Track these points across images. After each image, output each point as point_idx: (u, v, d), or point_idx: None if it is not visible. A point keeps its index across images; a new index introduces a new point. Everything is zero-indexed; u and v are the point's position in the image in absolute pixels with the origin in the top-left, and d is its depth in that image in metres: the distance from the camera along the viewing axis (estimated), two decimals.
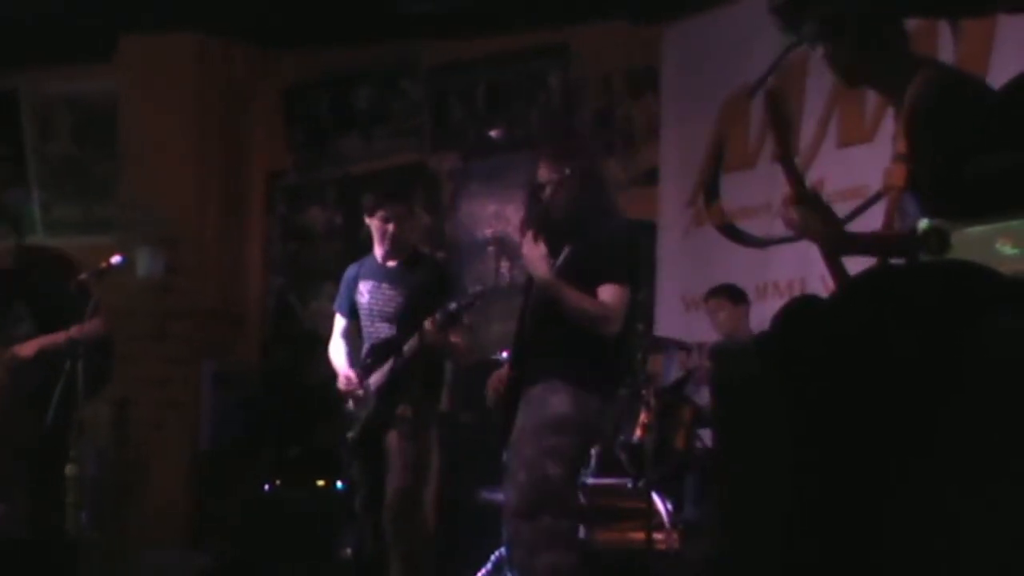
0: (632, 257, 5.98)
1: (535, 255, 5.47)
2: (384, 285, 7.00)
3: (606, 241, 5.68)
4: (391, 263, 7.04)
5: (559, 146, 6.36)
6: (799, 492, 2.57)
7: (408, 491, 6.80)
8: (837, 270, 3.89)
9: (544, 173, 5.76)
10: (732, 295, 8.15)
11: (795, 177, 3.97)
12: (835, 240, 3.91)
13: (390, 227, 6.97)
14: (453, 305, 6.55)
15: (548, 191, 5.69)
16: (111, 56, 10.54)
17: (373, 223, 7.04)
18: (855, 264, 3.90)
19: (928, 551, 2.43)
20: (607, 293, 5.55)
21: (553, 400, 5.50)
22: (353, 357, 7.12)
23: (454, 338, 6.87)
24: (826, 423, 2.54)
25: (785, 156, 4.02)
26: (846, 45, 4.04)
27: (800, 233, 3.91)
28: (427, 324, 6.59)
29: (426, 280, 6.94)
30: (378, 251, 7.07)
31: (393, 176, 10.56)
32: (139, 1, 9.77)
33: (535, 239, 5.48)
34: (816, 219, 3.87)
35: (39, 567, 7.71)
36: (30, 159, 11.43)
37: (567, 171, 5.66)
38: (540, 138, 9.77)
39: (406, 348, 6.73)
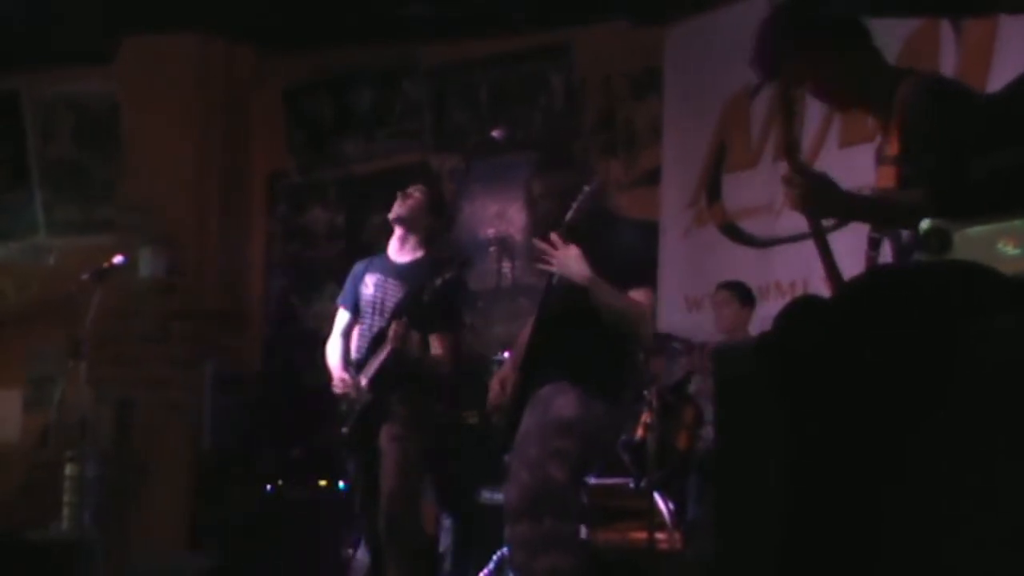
0: (649, 260, 6.02)
1: (569, 256, 5.46)
2: (391, 280, 6.99)
3: (625, 245, 5.72)
4: (402, 260, 7.04)
5: (547, 156, 6.39)
6: (797, 491, 2.56)
7: (400, 494, 6.77)
8: (830, 265, 3.89)
9: (536, 186, 5.79)
10: (742, 295, 8.13)
11: (792, 146, 3.97)
12: (837, 205, 3.91)
13: (407, 206, 6.99)
14: (424, 298, 6.58)
15: (541, 204, 5.73)
16: (112, 58, 10.54)
17: (399, 197, 7.06)
18: (852, 262, 3.91)
19: (924, 550, 2.43)
20: (639, 296, 5.58)
21: (560, 401, 5.49)
22: (348, 357, 7.11)
23: (433, 347, 6.90)
24: (824, 423, 2.54)
25: (787, 136, 4.03)
26: (825, 78, 4.06)
27: (799, 205, 3.88)
28: (393, 327, 6.64)
29: (429, 279, 6.92)
30: (392, 246, 7.09)
31: (394, 182, 10.55)
32: (140, 3, 9.76)
33: (564, 242, 5.48)
34: (814, 186, 3.85)
35: (40, 567, 7.72)
36: (32, 160, 11.43)
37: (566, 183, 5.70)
38: (545, 141, 9.78)
39: (384, 348, 6.75)
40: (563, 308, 5.59)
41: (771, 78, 4.15)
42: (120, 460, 9.89)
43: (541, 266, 5.55)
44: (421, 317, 6.67)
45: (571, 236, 5.49)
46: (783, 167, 3.95)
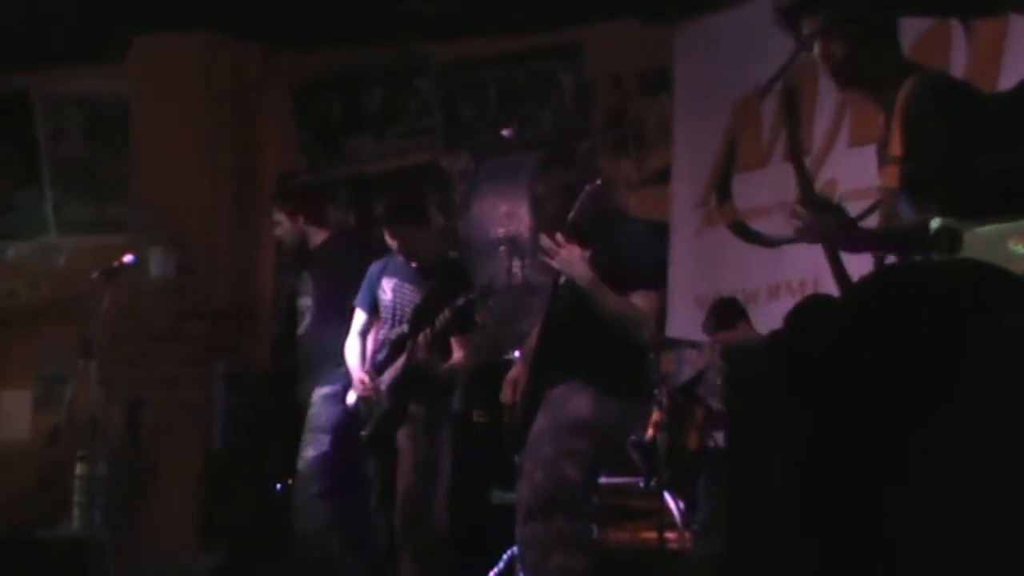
0: (657, 261, 6.02)
1: (573, 257, 5.45)
2: (407, 285, 7.02)
3: (631, 246, 5.71)
4: (414, 264, 7.06)
5: (549, 156, 6.38)
6: (805, 490, 2.56)
7: (416, 492, 6.81)
8: (839, 270, 3.90)
9: (539, 186, 5.78)
10: (724, 317, 8.05)
11: (803, 178, 3.98)
12: (844, 238, 3.92)
13: (399, 244, 7.01)
14: (439, 321, 6.59)
15: (547, 203, 5.72)
16: (122, 56, 10.54)
17: (395, 249, 7.12)
18: (860, 262, 3.91)
19: (931, 549, 2.42)
20: (641, 300, 5.57)
21: (574, 401, 5.49)
22: (367, 357, 7.14)
23: (455, 351, 6.92)
24: (835, 420, 2.54)
25: (796, 156, 4.04)
26: (843, 44, 4.06)
27: (809, 235, 3.91)
28: (420, 339, 6.65)
29: (443, 281, 6.94)
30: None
31: (405, 181, 10.55)
32: (150, 1, 9.77)
33: (568, 241, 5.47)
34: (825, 219, 3.87)
35: (50, 566, 7.73)
36: (43, 159, 11.43)
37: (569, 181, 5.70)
38: (555, 140, 9.78)
39: (403, 358, 6.78)
40: (573, 307, 5.59)
41: (793, 32, 4.16)
42: (130, 459, 9.89)
43: (544, 259, 5.54)
44: (441, 330, 6.70)
45: (575, 235, 5.48)
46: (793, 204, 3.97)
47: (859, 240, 3.98)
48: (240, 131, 10.87)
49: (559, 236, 5.46)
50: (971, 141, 3.44)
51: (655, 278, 5.80)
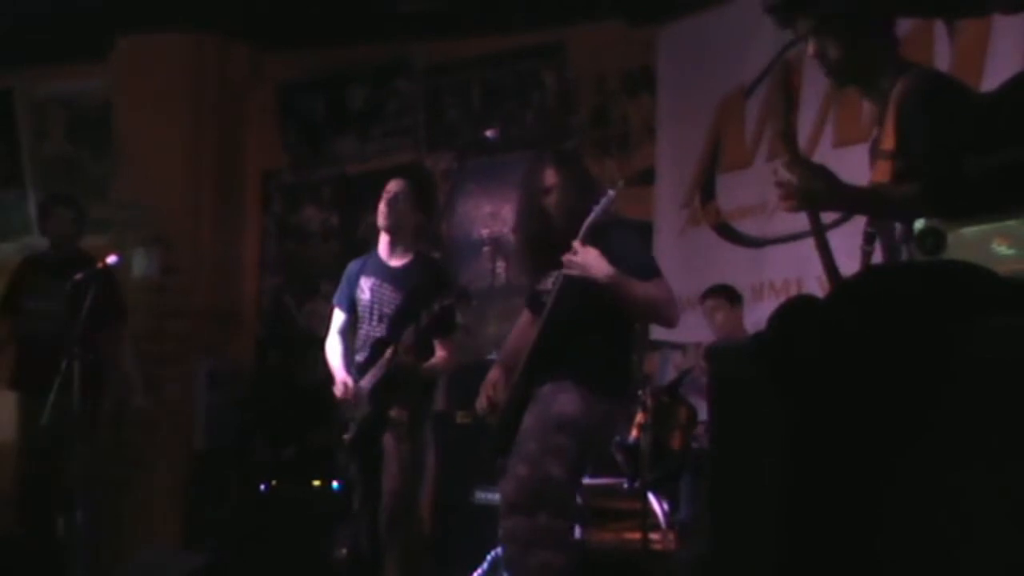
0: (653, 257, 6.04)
1: (591, 257, 5.43)
2: (386, 284, 6.99)
3: (635, 244, 5.73)
4: (395, 263, 7.03)
5: (560, 151, 6.38)
6: (794, 491, 2.57)
7: (402, 493, 6.79)
8: (827, 259, 3.90)
9: (550, 177, 5.76)
10: (729, 296, 8.14)
11: (790, 142, 3.97)
12: (833, 196, 3.90)
13: (393, 191, 6.97)
14: (423, 320, 6.56)
15: (554, 195, 5.70)
16: (106, 56, 10.53)
17: (382, 201, 7.02)
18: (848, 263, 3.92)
19: (920, 549, 2.43)
20: (660, 286, 5.59)
21: (561, 399, 5.49)
22: (349, 356, 7.11)
23: (438, 351, 6.90)
24: (821, 422, 2.54)
25: (785, 125, 4.04)
26: (837, 42, 4.06)
27: (797, 196, 3.88)
28: (404, 340, 6.62)
29: (424, 283, 6.92)
30: (382, 249, 7.07)
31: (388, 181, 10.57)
32: (134, 1, 9.76)
33: (583, 244, 5.46)
34: (813, 177, 3.85)
35: (33, 566, 7.72)
36: (25, 158, 11.42)
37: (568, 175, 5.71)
38: (539, 140, 9.77)
39: (385, 358, 6.74)
40: (572, 310, 5.58)
41: (784, 25, 4.16)
42: (114, 459, 9.87)
43: (564, 271, 5.52)
44: (422, 333, 6.68)
45: (588, 238, 5.48)
46: (777, 166, 3.95)
47: (846, 199, 3.96)
48: (224, 130, 10.87)
49: (575, 243, 5.45)
50: (956, 142, 3.44)
51: (659, 269, 5.83)
